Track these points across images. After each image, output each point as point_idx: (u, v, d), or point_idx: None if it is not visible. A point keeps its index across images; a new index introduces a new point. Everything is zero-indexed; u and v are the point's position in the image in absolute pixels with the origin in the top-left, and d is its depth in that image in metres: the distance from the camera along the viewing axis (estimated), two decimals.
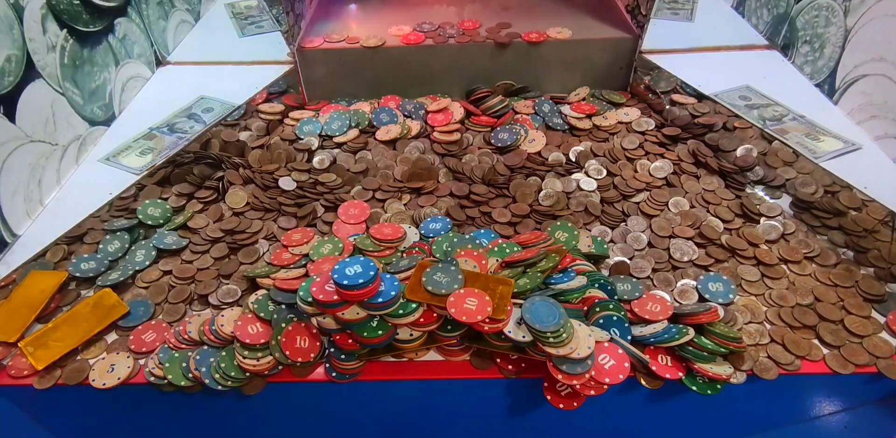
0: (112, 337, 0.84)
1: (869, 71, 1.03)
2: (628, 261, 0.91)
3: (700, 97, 1.19)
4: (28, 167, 0.93)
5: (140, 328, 0.83)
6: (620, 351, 0.74)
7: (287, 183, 1.03)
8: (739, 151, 1.07)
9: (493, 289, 0.75)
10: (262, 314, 0.79)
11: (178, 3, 1.38)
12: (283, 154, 1.09)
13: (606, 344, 0.74)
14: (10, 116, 0.90)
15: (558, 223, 0.93)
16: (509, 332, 0.73)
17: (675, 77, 1.21)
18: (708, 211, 0.99)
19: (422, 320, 0.75)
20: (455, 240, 0.86)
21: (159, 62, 1.30)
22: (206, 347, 0.79)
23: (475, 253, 0.82)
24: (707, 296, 0.85)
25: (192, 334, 0.80)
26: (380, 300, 0.72)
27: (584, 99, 1.23)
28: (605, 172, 1.05)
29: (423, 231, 0.93)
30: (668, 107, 1.18)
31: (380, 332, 0.74)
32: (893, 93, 0.98)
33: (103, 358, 0.80)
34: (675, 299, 0.86)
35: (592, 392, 0.73)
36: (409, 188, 1.04)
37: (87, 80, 1.07)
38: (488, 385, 0.80)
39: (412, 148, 1.13)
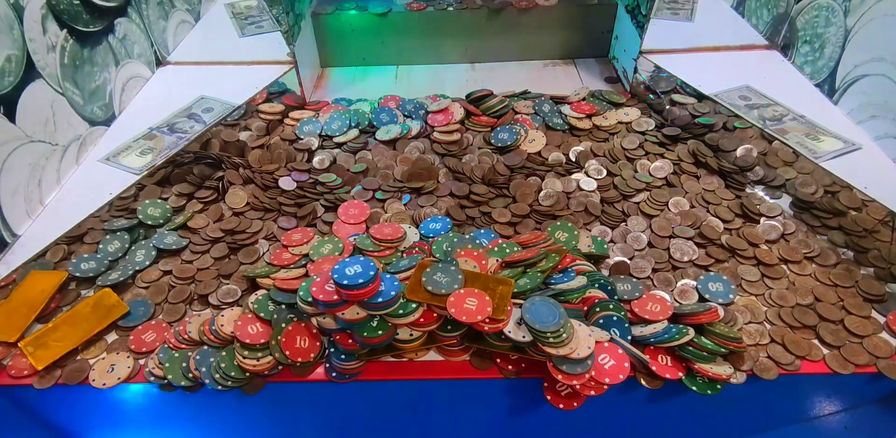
0: (112, 337, 0.84)
1: (869, 71, 1.03)
2: (628, 261, 0.91)
3: (700, 97, 1.19)
4: (28, 167, 0.93)
5: (140, 328, 0.83)
6: (620, 351, 0.74)
7: (287, 183, 1.03)
8: (739, 151, 1.07)
9: (493, 289, 0.75)
10: (262, 314, 0.79)
11: (178, 3, 1.38)
12: (283, 154, 1.09)
13: (606, 344, 0.74)
14: (10, 116, 0.90)
15: (558, 223, 0.93)
16: (509, 332, 0.73)
17: (675, 77, 1.21)
18: (708, 211, 0.99)
19: (422, 320, 0.75)
20: (455, 240, 0.86)
21: (159, 62, 1.30)
22: (206, 347, 0.79)
23: (475, 253, 0.82)
24: (707, 296, 0.85)
25: (192, 334, 0.80)
26: (380, 300, 0.72)
27: (584, 99, 1.23)
28: (605, 172, 1.05)
29: (423, 231, 0.93)
30: (668, 107, 1.18)
31: (380, 332, 0.74)
32: (893, 93, 0.98)
33: (103, 358, 0.80)
34: (675, 299, 0.86)
35: (592, 392, 0.73)
36: (409, 188, 1.04)
37: (87, 80, 1.07)
38: (488, 384, 0.80)
39: (412, 148, 1.13)
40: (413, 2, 1.40)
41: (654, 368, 0.76)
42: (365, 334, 0.74)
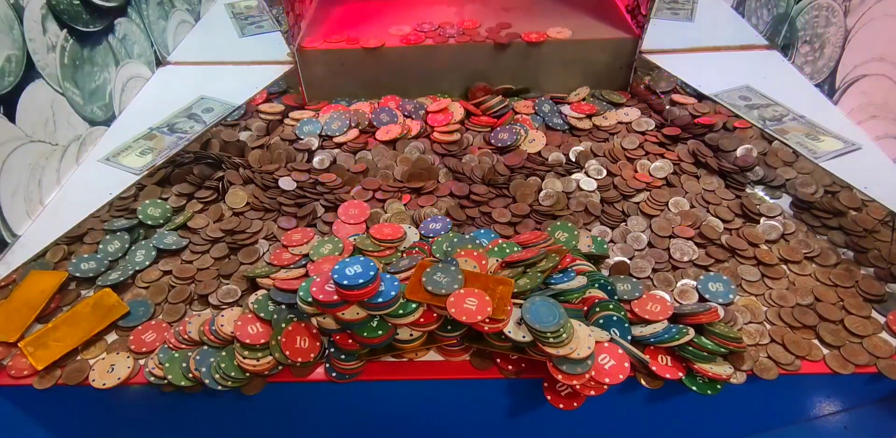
0: (112, 337, 0.84)
1: (869, 71, 1.03)
2: (628, 261, 0.91)
3: (700, 97, 1.19)
4: (28, 167, 0.93)
5: (140, 328, 0.83)
6: (620, 351, 0.74)
7: (287, 183, 1.03)
8: (739, 151, 1.07)
9: (493, 289, 0.75)
10: (262, 314, 0.79)
11: (178, 3, 1.38)
12: (283, 154, 1.09)
13: (606, 344, 0.74)
14: (10, 116, 0.90)
15: (558, 223, 0.93)
16: (509, 332, 0.73)
17: (675, 77, 1.21)
18: (708, 211, 0.99)
19: (422, 320, 0.75)
20: (455, 240, 0.86)
21: (159, 62, 1.30)
22: (206, 347, 0.79)
23: (475, 253, 0.82)
24: (707, 296, 0.85)
25: (192, 334, 0.80)
26: (380, 300, 0.72)
27: (584, 99, 1.23)
28: (605, 172, 1.05)
29: (423, 231, 0.93)
30: (668, 107, 1.18)
31: (380, 332, 0.74)
32: (893, 93, 0.98)
33: (103, 358, 0.80)
34: (675, 299, 0.86)
35: (592, 392, 0.73)
36: (409, 188, 1.04)
37: (87, 80, 1.07)
38: (488, 385, 0.80)
39: (412, 148, 1.13)
40: (409, 33, 1.27)
41: (654, 368, 0.76)
42: (365, 334, 0.74)
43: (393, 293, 0.73)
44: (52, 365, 0.79)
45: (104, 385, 0.77)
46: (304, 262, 0.87)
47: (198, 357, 0.78)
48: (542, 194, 1.01)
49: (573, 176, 1.05)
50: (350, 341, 0.76)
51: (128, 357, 0.80)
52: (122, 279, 0.88)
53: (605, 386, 0.73)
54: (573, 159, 1.09)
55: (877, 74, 1.01)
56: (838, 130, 1.03)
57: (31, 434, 0.85)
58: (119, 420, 0.87)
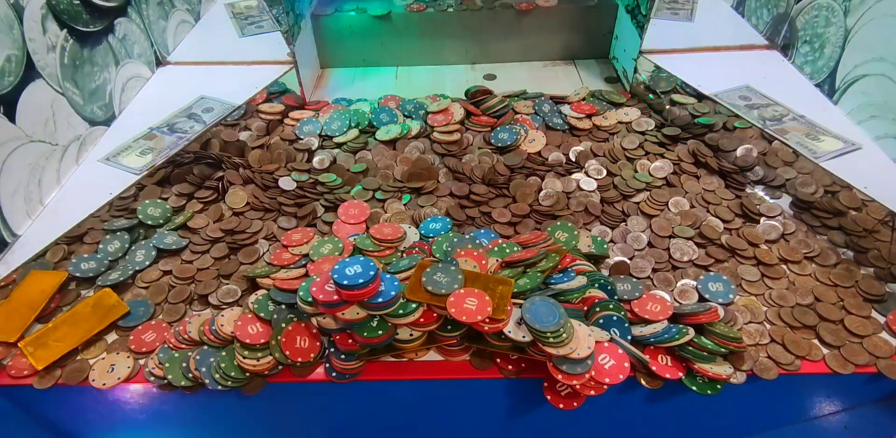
0: (112, 337, 0.84)
1: (869, 71, 1.03)
2: (628, 261, 0.91)
3: (700, 97, 1.19)
4: (28, 167, 0.93)
5: (140, 328, 0.83)
6: (620, 351, 0.74)
7: (287, 183, 1.03)
8: (739, 151, 1.07)
9: (493, 289, 0.75)
10: (262, 314, 0.79)
11: (178, 3, 1.38)
12: (283, 154, 1.09)
13: (606, 344, 0.74)
14: (10, 116, 0.90)
15: (558, 223, 0.93)
16: (509, 332, 0.73)
17: (675, 77, 1.21)
18: (708, 211, 0.99)
19: (422, 320, 0.75)
20: (455, 240, 0.86)
21: (159, 62, 1.30)
22: (206, 347, 0.79)
23: (475, 253, 0.82)
24: (707, 296, 0.85)
25: (192, 334, 0.80)
26: (380, 300, 0.72)
27: (584, 99, 1.23)
28: (605, 172, 1.05)
29: (423, 231, 0.93)
30: (668, 107, 1.18)
31: (380, 332, 0.74)
32: (893, 93, 0.98)
33: (103, 358, 0.80)
34: (675, 299, 0.86)
35: (592, 392, 0.73)
36: (409, 188, 1.04)
37: (87, 80, 1.07)
38: (488, 385, 0.80)
39: (412, 148, 1.13)
40: (413, 3, 1.40)
41: (654, 368, 0.76)
42: (365, 334, 0.74)
43: (393, 293, 0.73)
44: (52, 365, 0.79)
45: (104, 384, 0.77)
46: (304, 262, 0.87)
47: (198, 357, 0.78)
48: (542, 194, 1.01)
49: (573, 176, 1.05)
50: (350, 341, 0.76)
51: (128, 357, 0.80)
52: (122, 279, 0.88)
53: (605, 386, 0.73)
54: (573, 159, 1.09)
55: (877, 74, 1.01)
56: (838, 130, 1.03)
57: (31, 434, 0.85)
58: (119, 420, 0.87)
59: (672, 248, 0.92)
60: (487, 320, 0.72)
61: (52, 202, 0.97)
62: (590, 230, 0.96)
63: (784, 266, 0.90)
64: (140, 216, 0.97)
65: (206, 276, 0.90)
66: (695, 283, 0.87)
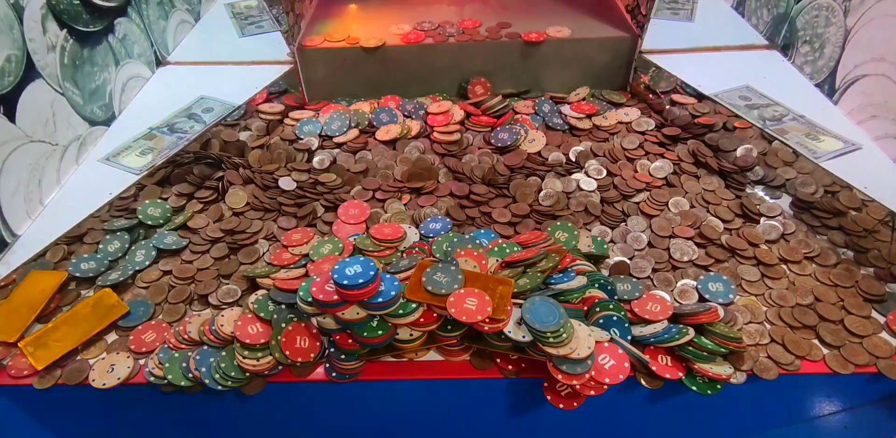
0: (112, 337, 0.84)
1: (869, 71, 1.03)
2: (628, 261, 0.91)
3: (700, 97, 1.19)
4: (28, 167, 0.93)
5: (140, 328, 0.83)
6: (620, 351, 0.74)
7: (287, 183, 1.03)
8: (739, 151, 1.07)
9: (493, 289, 0.75)
10: (262, 314, 0.79)
11: (178, 3, 1.38)
12: (283, 154, 1.09)
13: (606, 344, 0.74)
14: (10, 116, 0.90)
15: (558, 223, 0.93)
16: (509, 332, 0.73)
17: (675, 77, 1.21)
18: (708, 211, 0.99)
19: (422, 320, 0.75)
20: (455, 240, 0.86)
21: (159, 62, 1.30)
22: (206, 347, 0.79)
23: (475, 253, 0.82)
24: (707, 296, 0.85)
25: (192, 334, 0.80)
26: (380, 300, 0.72)
27: (584, 99, 1.23)
28: (605, 172, 1.05)
29: (423, 231, 0.93)
30: (668, 107, 1.18)
31: (380, 332, 0.74)
32: (893, 93, 0.98)
33: (103, 358, 0.80)
34: (675, 299, 0.86)
35: (592, 392, 0.73)
36: (409, 188, 1.04)
37: (87, 80, 1.07)
38: (488, 384, 0.80)
39: (412, 148, 1.13)
40: (410, 32, 1.27)
41: (654, 368, 0.76)
42: (365, 334, 0.74)
43: (393, 293, 0.73)
44: (52, 365, 0.79)
45: (104, 385, 0.77)
46: (304, 262, 0.87)
47: (198, 357, 0.78)
48: (542, 194, 1.01)
49: (573, 176, 1.05)
50: (350, 341, 0.76)
51: (128, 357, 0.80)
52: (122, 279, 0.88)
53: (605, 386, 0.73)
54: (573, 159, 1.09)
55: (877, 74, 1.01)
56: (838, 130, 1.03)
57: (31, 434, 0.85)
58: (119, 420, 0.86)
59: (672, 248, 0.92)
60: (487, 320, 0.72)
61: (52, 202, 0.97)
62: (590, 230, 0.96)
63: (784, 266, 0.90)
64: (140, 216, 0.97)
65: (206, 276, 0.90)
66: (695, 283, 0.87)
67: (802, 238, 0.93)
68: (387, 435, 0.89)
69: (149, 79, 1.26)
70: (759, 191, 1.02)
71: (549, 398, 0.76)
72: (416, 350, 0.79)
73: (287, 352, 0.76)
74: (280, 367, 0.78)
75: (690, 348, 0.75)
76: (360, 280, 0.71)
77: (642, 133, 1.14)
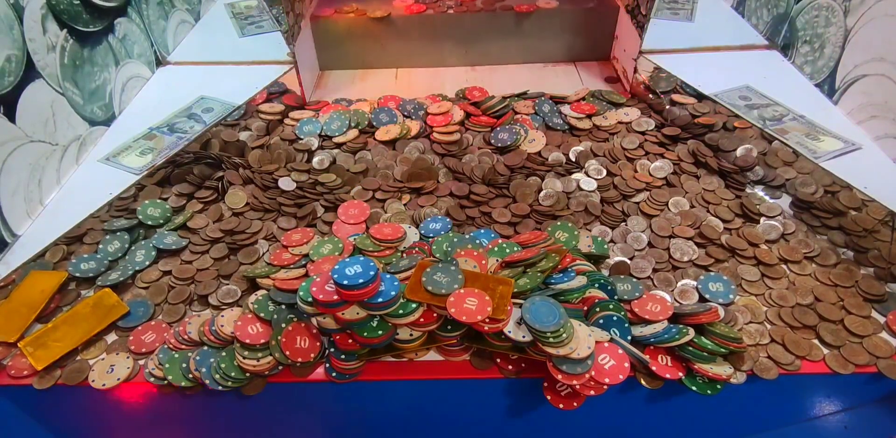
0: (112, 338, 0.84)
1: (869, 71, 1.03)
2: (628, 261, 0.91)
3: (700, 97, 1.19)
4: (28, 167, 0.93)
5: (140, 328, 0.83)
6: (620, 351, 0.74)
7: (287, 183, 1.03)
8: (739, 151, 1.07)
9: (493, 289, 0.75)
10: (262, 315, 0.79)
11: (178, 3, 1.38)
12: (283, 154, 1.09)
13: (606, 344, 0.74)
14: (10, 116, 0.90)
15: (558, 223, 0.93)
16: (509, 332, 0.73)
17: (675, 77, 1.21)
18: (708, 211, 0.99)
19: (422, 320, 0.75)
20: (455, 240, 0.86)
21: (159, 62, 1.30)
22: (206, 347, 0.79)
23: (475, 253, 0.82)
24: (707, 296, 0.85)
25: (192, 334, 0.80)
26: (380, 300, 0.72)
27: (584, 99, 1.23)
28: (605, 172, 1.05)
29: (423, 231, 0.93)
30: (668, 107, 1.18)
31: (380, 332, 0.74)
32: (893, 93, 0.98)
33: (103, 359, 0.80)
34: (675, 299, 0.86)
35: (592, 392, 0.73)
36: (409, 188, 1.04)
37: (87, 80, 1.07)
38: (488, 385, 0.80)
39: (412, 148, 1.13)
40: (412, 4, 1.39)
41: (654, 368, 0.76)
42: (365, 334, 0.74)
43: (393, 293, 0.73)
44: (51, 365, 0.79)
45: (104, 385, 0.77)
46: (304, 262, 0.87)
47: (198, 358, 0.78)
48: (542, 194, 1.01)
49: (573, 176, 1.05)
50: (350, 341, 0.76)
51: (127, 358, 0.80)
52: (121, 279, 0.88)
53: (605, 386, 0.73)
54: (573, 159, 1.09)
55: (877, 74, 1.01)
56: (838, 130, 1.03)
57: (31, 434, 0.85)
58: (119, 421, 0.86)
59: (672, 248, 0.92)
60: (487, 320, 0.72)
61: (52, 202, 0.97)
62: (590, 230, 0.96)
63: (784, 266, 0.90)
64: (140, 216, 0.97)
65: (205, 276, 0.90)
66: (695, 283, 0.87)
67: (802, 238, 0.93)
68: (387, 435, 0.89)
69: (149, 79, 1.26)
70: (759, 191, 1.02)
71: (549, 398, 0.76)
72: (416, 350, 0.79)
73: (287, 352, 0.76)
74: (280, 367, 0.78)
75: (690, 348, 0.75)
76: (360, 280, 0.71)
77: (642, 133, 1.14)
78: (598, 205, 1.00)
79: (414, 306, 0.74)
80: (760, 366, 0.77)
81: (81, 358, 0.81)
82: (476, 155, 1.11)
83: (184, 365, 0.78)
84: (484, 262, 0.81)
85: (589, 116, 1.18)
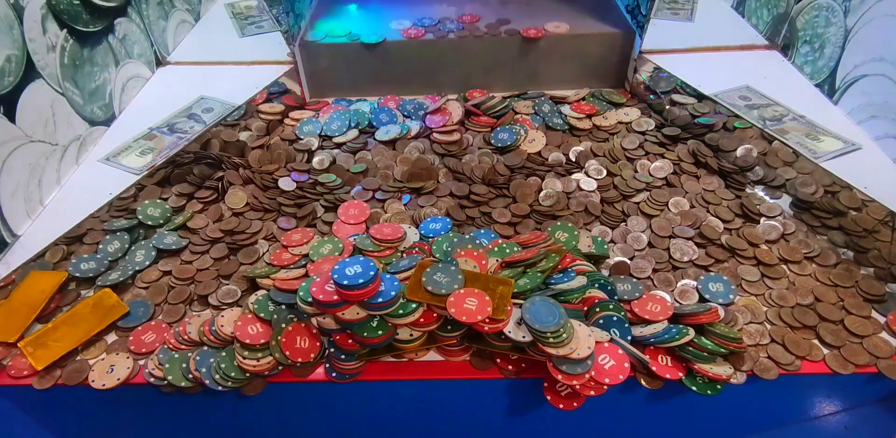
0: (112, 338, 0.84)
1: (869, 71, 1.03)
2: (628, 261, 0.91)
3: (700, 97, 1.19)
4: (28, 167, 0.93)
5: (140, 328, 0.83)
6: (620, 352, 0.74)
7: (287, 183, 1.03)
8: (739, 151, 1.06)
9: (493, 289, 0.75)
10: (262, 315, 0.79)
11: (178, 3, 1.38)
12: (283, 154, 1.09)
13: (606, 344, 0.74)
14: (10, 116, 0.90)
15: (558, 223, 0.93)
16: (509, 332, 0.73)
17: (675, 77, 1.21)
18: (708, 211, 0.99)
19: (422, 320, 0.75)
20: (455, 240, 0.86)
21: (159, 62, 1.30)
22: (206, 347, 0.79)
23: (475, 253, 0.82)
24: (707, 296, 0.85)
25: (192, 334, 0.80)
26: (380, 300, 0.72)
27: (584, 99, 1.23)
28: (605, 172, 1.05)
29: (423, 231, 0.93)
30: (668, 107, 1.18)
31: (380, 332, 0.74)
32: (893, 93, 0.98)
33: (103, 359, 0.80)
34: (675, 299, 0.86)
35: (592, 393, 0.73)
36: (409, 188, 1.04)
37: (87, 80, 1.07)
38: (488, 385, 0.80)
39: (412, 148, 1.13)
40: (410, 28, 1.28)
41: (654, 368, 0.76)
42: (365, 334, 0.74)
43: (393, 293, 0.73)
44: (51, 365, 0.79)
45: (104, 385, 0.77)
46: (304, 262, 0.87)
47: (198, 358, 0.78)
48: (542, 194, 1.01)
49: (573, 176, 1.05)
50: (350, 341, 0.76)
51: (127, 358, 0.80)
52: (121, 279, 0.88)
53: (605, 386, 0.73)
54: (573, 159, 1.09)
55: (877, 74, 1.01)
56: (838, 130, 1.03)
57: (31, 434, 0.85)
58: (119, 421, 0.86)
59: (672, 248, 0.92)
60: (487, 320, 0.72)
61: (52, 202, 0.97)
62: (590, 230, 0.96)
63: (784, 266, 0.90)
64: (140, 217, 0.97)
65: (205, 276, 0.90)
66: (695, 283, 0.87)
67: (802, 238, 0.93)
68: (387, 435, 0.89)
69: (149, 79, 1.26)
70: (759, 191, 1.02)
71: (549, 398, 0.76)
72: (416, 350, 0.79)
73: (287, 352, 0.76)
74: (280, 367, 0.78)
75: (690, 348, 0.75)
76: (360, 280, 0.71)
77: (642, 133, 1.14)
78: (598, 205, 1.00)
79: (414, 306, 0.74)
80: (760, 366, 0.77)
81: (81, 358, 0.81)
82: (476, 155, 1.11)
83: (184, 365, 0.78)
84: (484, 262, 0.81)
85: (589, 116, 1.18)
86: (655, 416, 0.83)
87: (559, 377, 0.71)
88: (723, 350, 0.75)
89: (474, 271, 0.78)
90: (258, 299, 0.81)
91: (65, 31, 1.02)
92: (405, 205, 1.01)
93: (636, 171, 1.06)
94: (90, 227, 0.97)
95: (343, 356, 0.77)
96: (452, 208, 0.99)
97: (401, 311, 0.74)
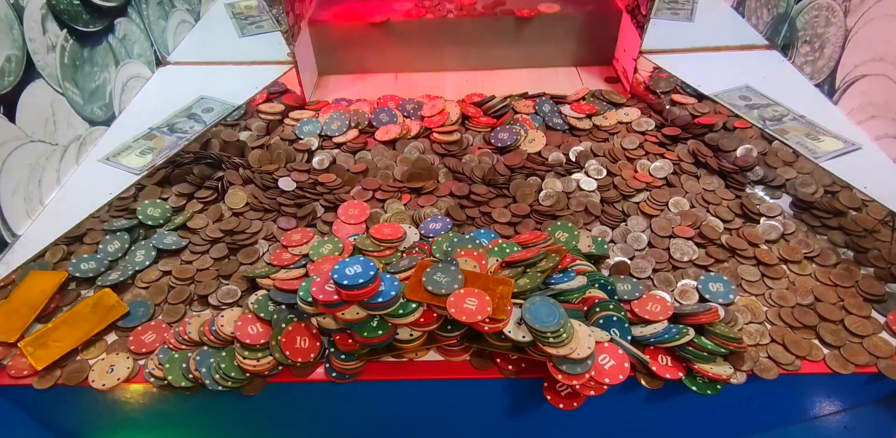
0: (112, 338, 0.84)
1: (869, 71, 1.03)
2: (628, 261, 0.91)
3: (700, 97, 1.19)
4: (28, 167, 0.93)
5: (140, 328, 0.83)
6: (620, 351, 0.74)
7: (287, 183, 1.03)
8: (739, 151, 1.07)
9: (493, 289, 0.75)
10: (262, 315, 0.79)
11: (178, 3, 1.38)
12: (283, 154, 1.09)
13: (606, 344, 0.74)
14: (10, 116, 0.90)
15: (558, 223, 0.93)
16: (509, 332, 0.73)
17: (674, 77, 1.21)
18: (708, 211, 0.99)
19: (422, 320, 0.75)
20: (455, 240, 0.86)
21: (159, 62, 1.30)
22: (205, 347, 0.79)
23: (475, 253, 0.82)
24: (707, 296, 0.85)
25: (192, 334, 0.80)
26: (380, 300, 0.72)
27: (583, 99, 1.23)
28: (605, 172, 1.05)
29: (423, 231, 0.93)
30: (668, 107, 1.18)
31: (380, 332, 0.74)
32: (893, 93, 0.98)
33: (103, 359, 0.80)
34: (675, 299, 0.86)
35: (592, 393, 0.73)
36: (409, 188, 1.04)
37: (87, 80, 1.07)
38: (488, 384, 0.80)
39: (412, 148, 1.13)
40: (411, 8, 1.37)
41: (654, 368, 0.76)
42: (365, 334, 0.74)
43: (393, 293, 0.73)
44: (51, 365, 0.79)
45: (104, 385, 0.77)
46: (304, 262, 0.87)
47: (198, 358, 0.78)
48: (542, 194, 1.01)
49: (573, 176, 1.05)
50: (350, 341, 0.76)
51: (127, 358, 0.80)
52: (121, 279, 0.88)
53: (605, 386, 0.73)
54: (573, 159, 1.09)
55: (877, 74, 1.01)
56: (838, 130, 1.03)
57: (31, 434, 0.85)
58: (119, 421, 0.86)
59: (672, 248, 0.92)
60: (487, 320, 0.72)
61: (52, 202, 0.97)
62: (590, 230, 0.96)
63: (784, 266, 0.90)
64: (140, 217, 0.97)
65: (205, 276, 0.90)
66: (695, 283, 0.87)
67: (802, 238, 0.93)
68: (387, 435, 0.89)
69: (149, 79, 1.26)
70: (759, 191, 1.02)
71: (549, 398, 0.76)
72: (416, 350, 0.79)
73: (287, 352, 0.76)
74: (280, 367, 0.78)
75: (690, 348, 0.75)
76: (360, 280, 0.71)
77: (642, 133, 1.14)
78: (598, 205, 1.00)
79: (414, 306, 0.74)
80: (760, 366, 0.77)
81: (81, 358, 0.81)
82: (476, 155, 1.11)
83: (184, 365, 0.78)
84: (484, 262, 0.81)
85: (589, 116, 1.18)
86: (655, 416, 0.83)
87: (559, 377, 0.71)
88: (723, 350, 0.75)
89: (474, 271, 0.78)
90: (258, 299, 0.81)
91: (65, 31, 1.02)
92: (405, 205, 1.01)
93: (636, 171, 1.05)
94: (90, 227, 0.97)
95: (343, 356, 0.77)
96: (452, 208, 0.99)
97: (401, 311, 0.74)
